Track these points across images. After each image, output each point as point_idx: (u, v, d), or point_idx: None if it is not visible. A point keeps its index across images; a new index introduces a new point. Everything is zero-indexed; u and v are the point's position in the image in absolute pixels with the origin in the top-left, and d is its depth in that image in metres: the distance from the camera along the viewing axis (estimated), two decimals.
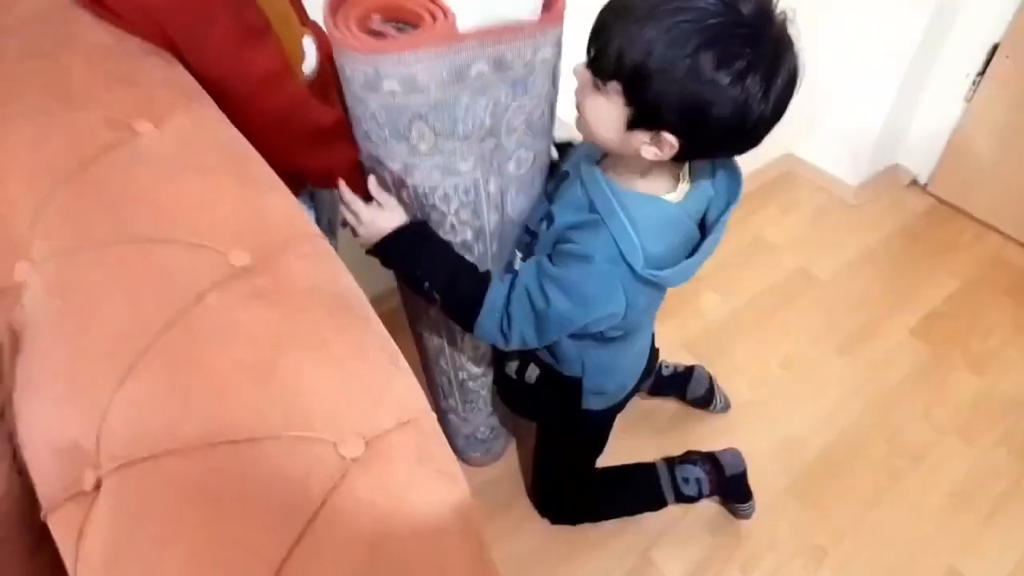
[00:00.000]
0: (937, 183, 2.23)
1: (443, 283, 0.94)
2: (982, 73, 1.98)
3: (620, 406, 1.22)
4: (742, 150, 0.82)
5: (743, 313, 1.88)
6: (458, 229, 0.96)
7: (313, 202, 1.09)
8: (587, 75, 0.80)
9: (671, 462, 1.46)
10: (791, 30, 0.74)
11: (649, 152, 0.81)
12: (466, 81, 0.80)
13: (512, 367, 1.20)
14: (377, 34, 0.81)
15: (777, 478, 1.53)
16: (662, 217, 0.88)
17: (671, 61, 0.71)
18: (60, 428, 0.56)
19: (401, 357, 0.61)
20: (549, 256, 0.91)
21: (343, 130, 0.97)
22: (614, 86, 0.77)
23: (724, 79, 0.71)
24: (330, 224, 1.19)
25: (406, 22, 0.84)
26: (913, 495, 1.52)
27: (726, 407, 1.65)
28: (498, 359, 1.25)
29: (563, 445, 1.36)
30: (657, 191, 0.88)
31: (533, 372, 1.17)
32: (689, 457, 1.47)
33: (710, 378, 1.65)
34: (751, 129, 0.76)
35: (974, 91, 2.02)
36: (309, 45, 0.92)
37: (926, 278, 2.00)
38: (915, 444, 1.61)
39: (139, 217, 0.63)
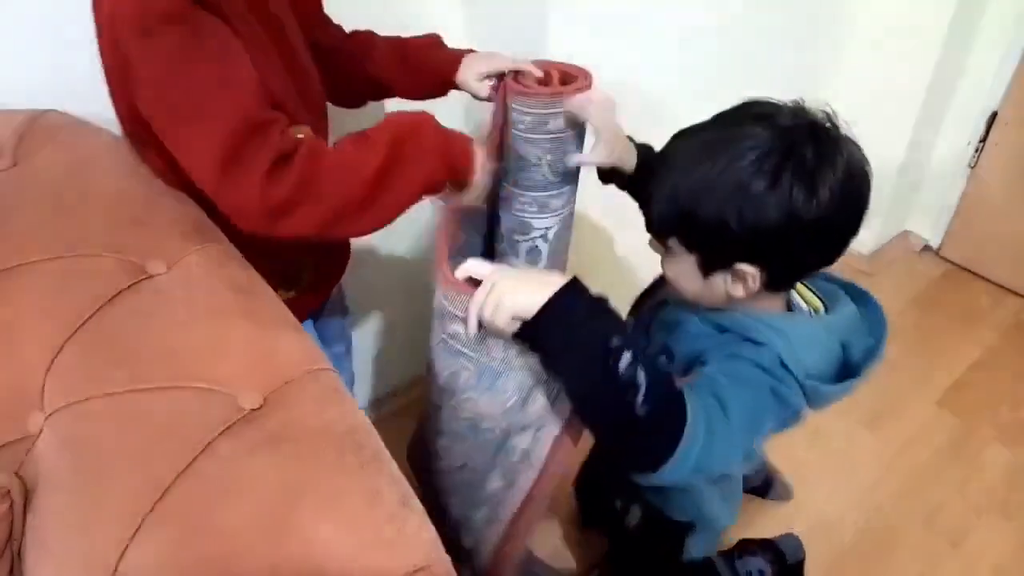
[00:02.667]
0: (949, 248, 2.22)
1: (647, 354, 0.69)
2: (983, 140, 2.00)
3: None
4: (827, 258, 0.78)
5: None
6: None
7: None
8: (656, 244, 0.83)
9: (729, 557, 1.36)
10: (833, 126, 0.73)
11: (737, 290, 0.78)
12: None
13: (618, 503, 1.13)
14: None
15: (810, 567, 1.47)
16: (808, 332, 0.80)
17: (712, 195, 0.72)
18: None
19: (413, 496, 0.60)
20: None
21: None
22: (674, 242, 0.79)
23: (766, 195, 0.70)
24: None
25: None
26: None
27: (790, 494, 1.54)
28: (604, 490, 1.18)
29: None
30: (774, 308, 0.83)
31: (635, 515, 1.09)
32: (748, 548, 1.38)
33: (763, 462, 1.52)
34: (815, 233, 0.72)
35: (977, 158, 2.03)
36: None
37: (948, 346, 1.97)
38: (953, 524, 1.55)
39: (150, 364, 0.64)
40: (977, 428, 1.75)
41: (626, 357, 0.66)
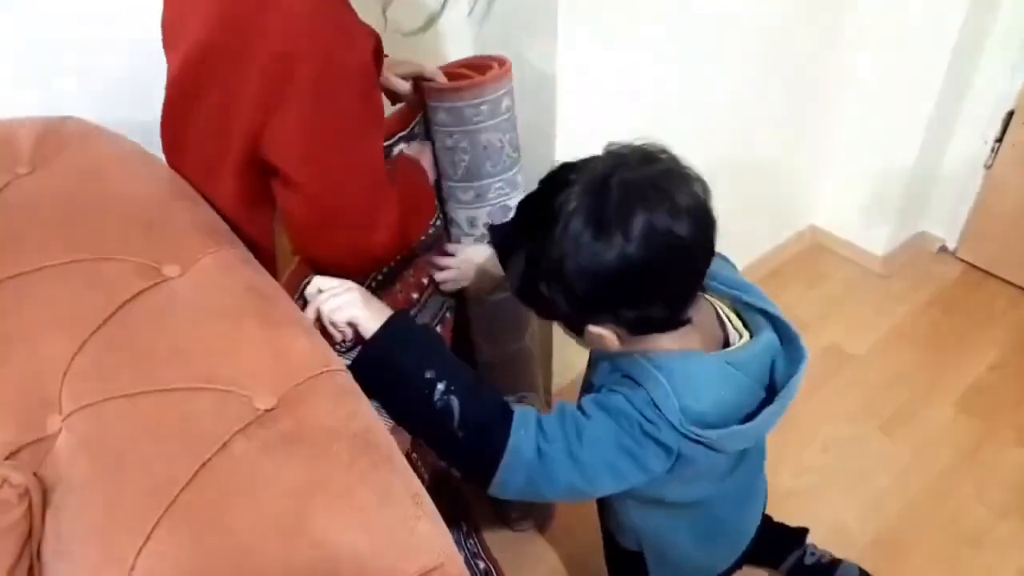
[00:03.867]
0: (966, 248, 2.20)
1: (465, 383, 0.76)
2: (1000, 139, 1.98)
3: None
4: (671, 307, 0.75)
5: None
6: None
7: None
8: None
9: None
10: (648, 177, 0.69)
11: (605, 343, 0.77)
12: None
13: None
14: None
15: None
16: (700, 370, 0.78)
17: (533, 271, 0.72)
18: None
19: (426, 495, 0.60)
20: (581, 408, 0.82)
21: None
22: None
23: (566, 264, 0.69)
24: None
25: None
26: None
27: None
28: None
29: None
30: (686, 346, 0.80)
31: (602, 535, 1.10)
32: None
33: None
34: (627, 291, 0.71)
35: (994, 157, 2.01)
36: None
37: (965, 348, 1.95)
38: (973, 528, 1.53)
39: (165, 366, 0.64)
40: (995, 430, 1.73)
41: (439, 388, 0.74)
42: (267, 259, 0.84)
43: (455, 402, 0.74)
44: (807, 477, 1.64)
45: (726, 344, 0.84)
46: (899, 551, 1.50)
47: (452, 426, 0.74)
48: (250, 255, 0.78)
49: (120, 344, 0.67)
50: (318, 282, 0.80)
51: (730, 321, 0.85)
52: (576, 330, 0.78)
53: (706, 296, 0.85)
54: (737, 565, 1.09)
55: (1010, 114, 1.93)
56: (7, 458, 0.61)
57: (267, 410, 0.62)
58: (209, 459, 0.57)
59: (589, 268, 0.68)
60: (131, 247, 0.73)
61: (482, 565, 1.31)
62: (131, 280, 0.71)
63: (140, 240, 0.74)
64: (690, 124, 1.59)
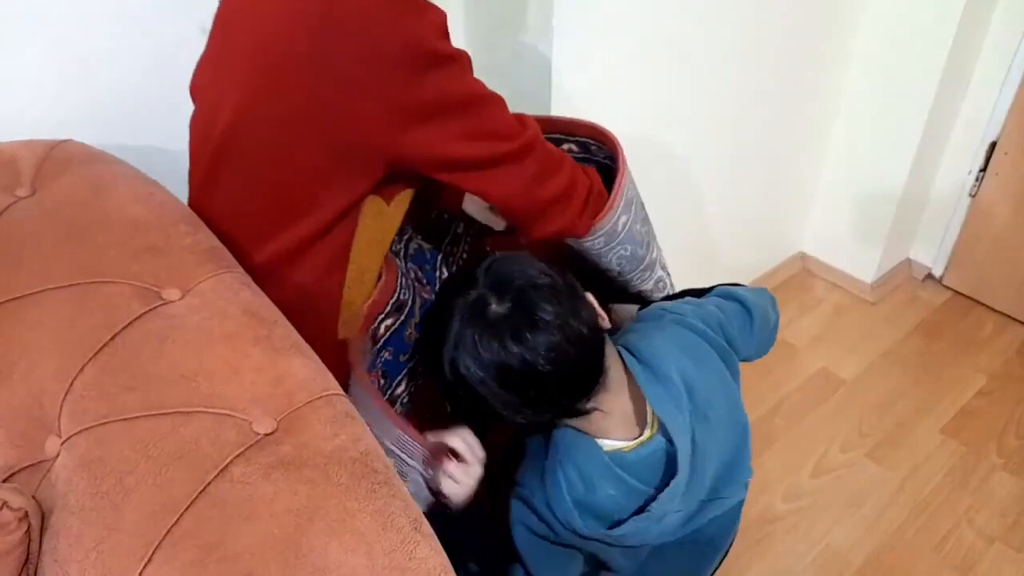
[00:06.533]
0: (952, 276, 2.23)
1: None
2: (984, 169, 2.02)
3: None
4: (537, 411, 0.79)
5: (770, 420, 1.84)
6: None
7: None
8: None
9: None
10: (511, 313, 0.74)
11: None
12: None
13: None
14: None
15: None
16: (591, 466, 0.80)
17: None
18: None
19: (424, 520, 0.61)
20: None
21: None
22: None
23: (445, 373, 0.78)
24: None
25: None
26: None
27: None
28: None
29: None
30: (601, 433, 0.82)
31: None
32: None
33: None
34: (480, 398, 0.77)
35: (977, 187, 2.05)
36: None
37: (952, 374, 1.97)
38: (962, 553, 1.54)
39: (164, 389, 0.65)
40: (983, 456, 1.74)
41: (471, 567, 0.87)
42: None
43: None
44: (799, 501, 1.65)
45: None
46: (889, 574, 1.50)
47: None
48: (248, 278, 0.79)
49: (119, 368, 0.67)
50: (464, 436, 0.84)
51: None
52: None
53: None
54: None
55: (993, 144, 1.98)
56: (5, 480, 0.62)
57: (266, 434, 0.62)
58: (209, 483, 0.57)
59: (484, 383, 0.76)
60: (131, 270, 0.74)
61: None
62: (131, 303, 0.71)
63: (140, 263, 0.75)
64: (679, 152, 1.62)
